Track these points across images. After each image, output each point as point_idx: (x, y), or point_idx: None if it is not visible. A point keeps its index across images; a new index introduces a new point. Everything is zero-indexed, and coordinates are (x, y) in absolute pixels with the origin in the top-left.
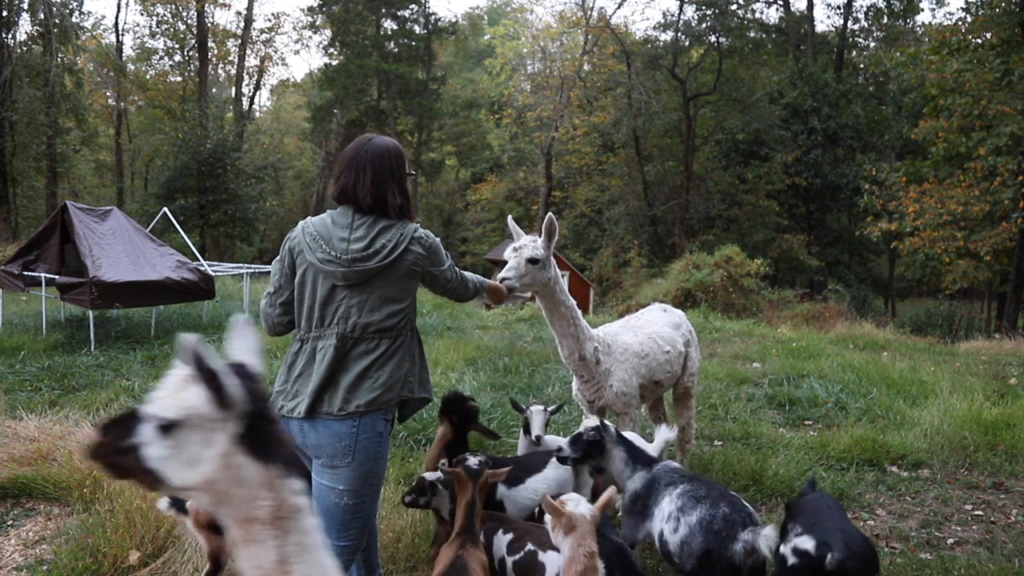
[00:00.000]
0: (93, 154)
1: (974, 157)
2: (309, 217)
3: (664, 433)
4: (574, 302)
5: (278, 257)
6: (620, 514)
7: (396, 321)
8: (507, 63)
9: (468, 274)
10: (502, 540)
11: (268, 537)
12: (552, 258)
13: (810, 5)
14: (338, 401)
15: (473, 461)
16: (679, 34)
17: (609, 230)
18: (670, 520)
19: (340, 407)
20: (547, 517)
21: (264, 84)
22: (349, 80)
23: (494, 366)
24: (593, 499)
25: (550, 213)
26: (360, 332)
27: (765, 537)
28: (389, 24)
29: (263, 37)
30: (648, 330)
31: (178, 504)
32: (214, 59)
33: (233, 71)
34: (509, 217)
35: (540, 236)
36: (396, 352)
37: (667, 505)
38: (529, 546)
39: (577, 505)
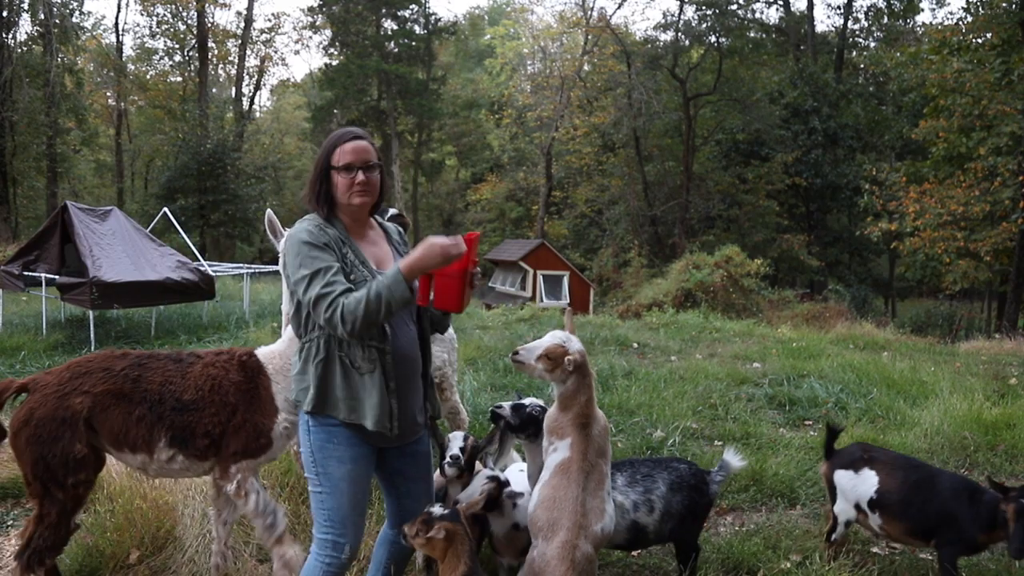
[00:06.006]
0: (93, 154)
1: (974, 157)
2: None
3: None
4: None
5: None
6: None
7: (297, 323)
8: (507, 63)
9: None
10: None
11: None
12: None
13: (810, 5)
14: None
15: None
16: (679, 34)
17: (609, 230)
18: None
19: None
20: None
21: (264, 84)
22: (349, 80)
23: (494, 366)
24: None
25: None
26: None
27: None
28: (389, 24)
29: (263, 37)
30: None
31: None
32: (214, 59)
33: (233, 71)
34: None
35: None
36: (303, 359)
37: None
38: None
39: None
